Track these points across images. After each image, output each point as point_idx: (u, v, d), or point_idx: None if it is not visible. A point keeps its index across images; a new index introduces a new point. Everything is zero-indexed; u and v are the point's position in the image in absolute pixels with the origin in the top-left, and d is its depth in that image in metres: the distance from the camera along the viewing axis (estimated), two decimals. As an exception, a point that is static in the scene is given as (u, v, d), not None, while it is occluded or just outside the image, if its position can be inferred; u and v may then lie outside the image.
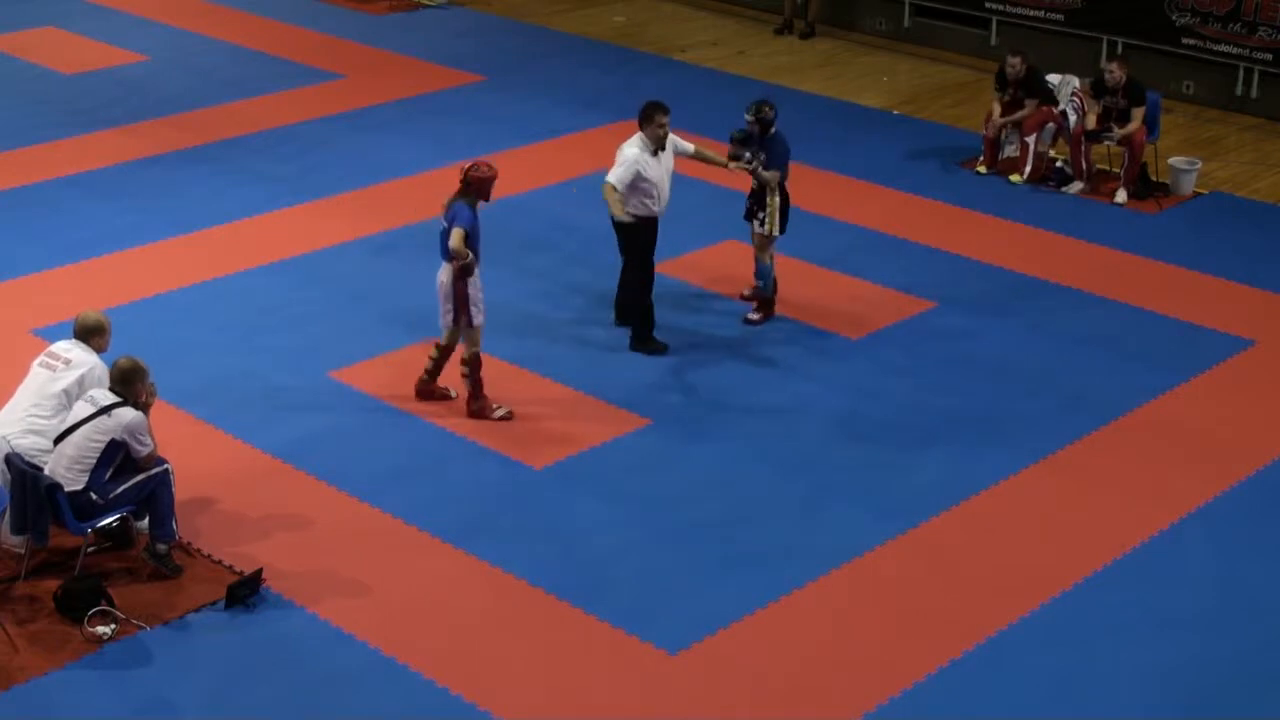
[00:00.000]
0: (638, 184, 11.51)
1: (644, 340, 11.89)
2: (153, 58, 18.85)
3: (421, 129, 16.51)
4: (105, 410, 8.85)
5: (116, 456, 8.91)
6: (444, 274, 10.67)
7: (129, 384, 9.00)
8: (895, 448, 10.69)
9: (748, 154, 12.03)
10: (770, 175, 11.97)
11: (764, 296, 12.35)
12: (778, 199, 12.02)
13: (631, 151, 11.55)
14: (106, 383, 9.25)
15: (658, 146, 11.62)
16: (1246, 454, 10.65)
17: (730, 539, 9.67)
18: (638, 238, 11.76)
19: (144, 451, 8.99)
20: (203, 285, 12.85)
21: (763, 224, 12.05)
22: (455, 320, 10.70)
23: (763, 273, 12.21)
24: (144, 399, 9.10)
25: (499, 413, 10.86)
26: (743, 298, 12.57)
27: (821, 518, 9.91)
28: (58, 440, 8.91)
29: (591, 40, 19.99)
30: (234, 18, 20.59)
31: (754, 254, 12.25)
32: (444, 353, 11.00)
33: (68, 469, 8.83)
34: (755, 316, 12.31)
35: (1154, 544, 9.68)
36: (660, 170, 11.66)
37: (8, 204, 14.43)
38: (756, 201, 12.12)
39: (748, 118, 12.03)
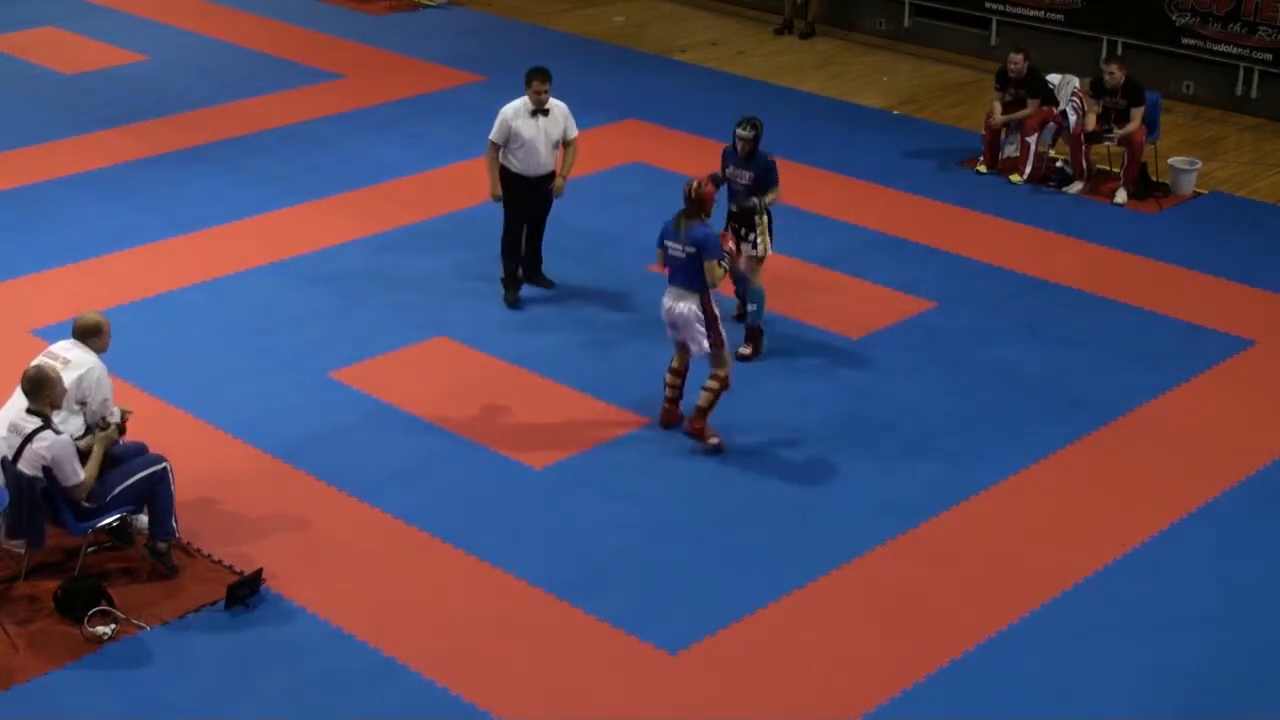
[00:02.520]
0: (510, 141, 12.16)
1: (509, 289, 12.52)
2: (153, 58, 18.85)
3: (422, 129, 16.50)
4: (28, 440, 8.63)
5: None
6: (684, 301, 10.36)
7: (37, 395, 8.69)
8: (895, 448, 10.69)
9: (753, 201, 11.54)
10: (773, 195, 11.60)
11: (757, 327, 11.77)
12: (767, 217, 11.62)
13: (506, 108, 12.21)
14: (106, 383, 9.25)
15: (537, 109, 12.08)
16: (1246, 454, 10.65)
17: (730, 539, 9.67)
18: (505, 193, 12.34)
19: (72, 481, 8.67)
20: (203, 285, 12.85)
21: (755, 246, 11.59)
22: (714, 343, 10.43)
23: (756, 295, 11.65)
24: (53, 407, 8.73)
25: (714, 440, 10.61)
26: (737, 318, 11.95)
27: (821, 517, 9.91)
28: (14, 462, 8.70)
29: (591, 40, 19.99)
30: (234, 18, 20.59)
31: (744, 277, 11.64)
32: (683, 376, 10.71)
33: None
34: (747, 351, 11.75)
35: (1154, 544, 9.68)
36: (535, 131, 12.13)
37: (8, 204, 14.43)
38: (745, 223, 11.62)
39: (745, 133, 11.49)
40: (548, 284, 12.78)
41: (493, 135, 12.30)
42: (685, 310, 10.41)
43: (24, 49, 19.06)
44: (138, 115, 16.77)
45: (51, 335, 10.48)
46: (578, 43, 19.87)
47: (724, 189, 11.43)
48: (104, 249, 13.47)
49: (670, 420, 10.82)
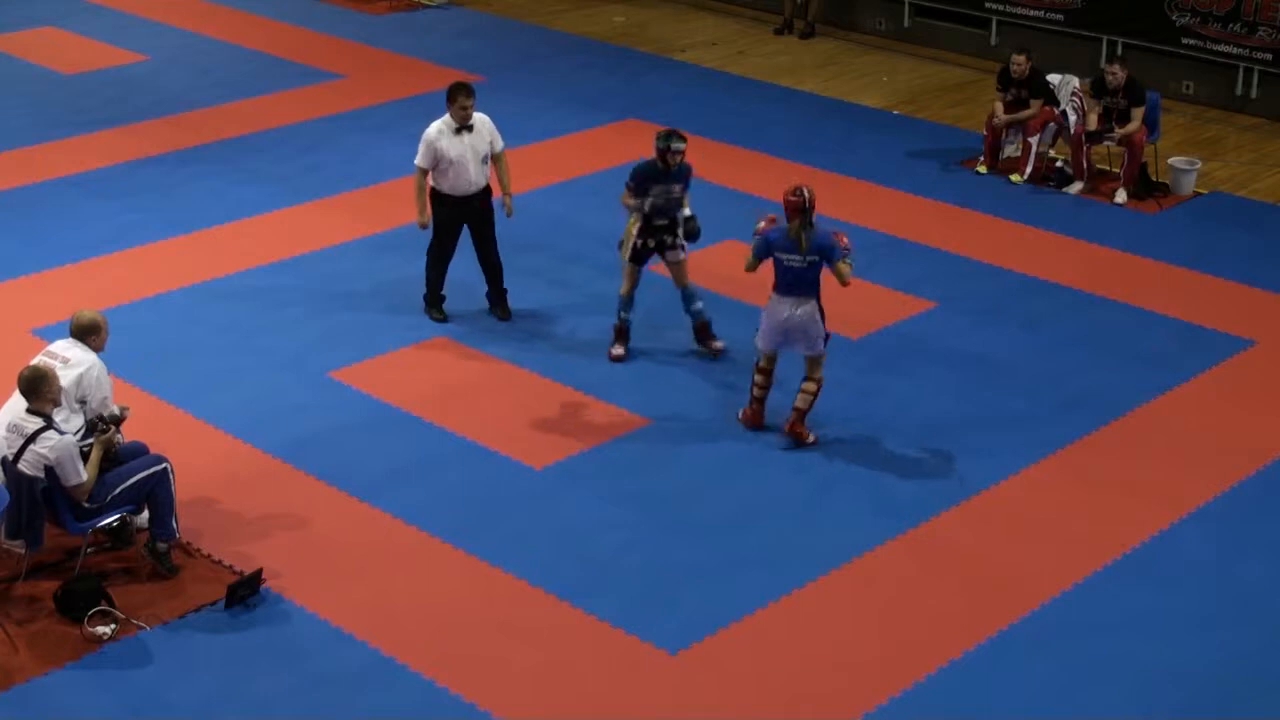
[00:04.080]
0: (438, 162, 11.89)
1: (433, 305, 12.28)
2: (153, 58, 18.86)
3: (421, 129, 16.39)
4: (31, 439, 8.62)
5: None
6: (804, 307, 10.41)
7: (35, 395, 8.68)
8: (895, 448, 10.69)
9: (687, 212, 11.50)
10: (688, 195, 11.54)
11: (706, 321, 11.76)
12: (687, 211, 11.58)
13: (429, 130, 11.92)
14: (106, 382, 9.26)
15: (460, 125, 11.82)
16: (1246, 454, 10.65)
17: (730, 539, 9.67)
18: (436, 214, 12.07)
19: (74, 482, 8.67)
20: (203, 285, 12.86)
21: (683, 250, 11.55)
22: (826, 343, 10.56)
23: (698, 293, 11.56)
24: (53, 404, 8.72)
25: (812, 438, 10.65)
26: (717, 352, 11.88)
27: (822, 517, 9.92)
28: (15, 463, 8.69)
29: (591, 40, 19.99)
30: (234, 18, 20.61)
31: (680, 284, 11.64)
32: (771, 375, 10.73)
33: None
34: (720, 345, 11.74)
35: (1154, 544, 9.68)
36: (462, 149, 11.86)
37: (8, 204, 14.44)
38: (670, 232, 11.49)
39: (681, 145, 11.26)
40: (505, 315, 12.33)
41: (419, 160, 11.95)
42: (805, 315, 10.41)
43: (24, 49, 19.07)
44: (138, 115, 16.78)
45: (51, 335, 10.48)
46: (578, 43, 19.88)
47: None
48: (104, 249, 13.48)
49: (759, 421, 10.78)
